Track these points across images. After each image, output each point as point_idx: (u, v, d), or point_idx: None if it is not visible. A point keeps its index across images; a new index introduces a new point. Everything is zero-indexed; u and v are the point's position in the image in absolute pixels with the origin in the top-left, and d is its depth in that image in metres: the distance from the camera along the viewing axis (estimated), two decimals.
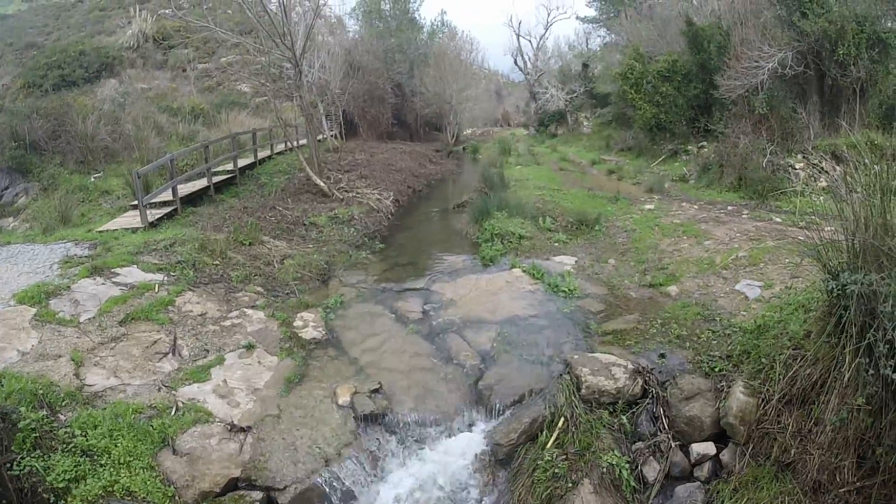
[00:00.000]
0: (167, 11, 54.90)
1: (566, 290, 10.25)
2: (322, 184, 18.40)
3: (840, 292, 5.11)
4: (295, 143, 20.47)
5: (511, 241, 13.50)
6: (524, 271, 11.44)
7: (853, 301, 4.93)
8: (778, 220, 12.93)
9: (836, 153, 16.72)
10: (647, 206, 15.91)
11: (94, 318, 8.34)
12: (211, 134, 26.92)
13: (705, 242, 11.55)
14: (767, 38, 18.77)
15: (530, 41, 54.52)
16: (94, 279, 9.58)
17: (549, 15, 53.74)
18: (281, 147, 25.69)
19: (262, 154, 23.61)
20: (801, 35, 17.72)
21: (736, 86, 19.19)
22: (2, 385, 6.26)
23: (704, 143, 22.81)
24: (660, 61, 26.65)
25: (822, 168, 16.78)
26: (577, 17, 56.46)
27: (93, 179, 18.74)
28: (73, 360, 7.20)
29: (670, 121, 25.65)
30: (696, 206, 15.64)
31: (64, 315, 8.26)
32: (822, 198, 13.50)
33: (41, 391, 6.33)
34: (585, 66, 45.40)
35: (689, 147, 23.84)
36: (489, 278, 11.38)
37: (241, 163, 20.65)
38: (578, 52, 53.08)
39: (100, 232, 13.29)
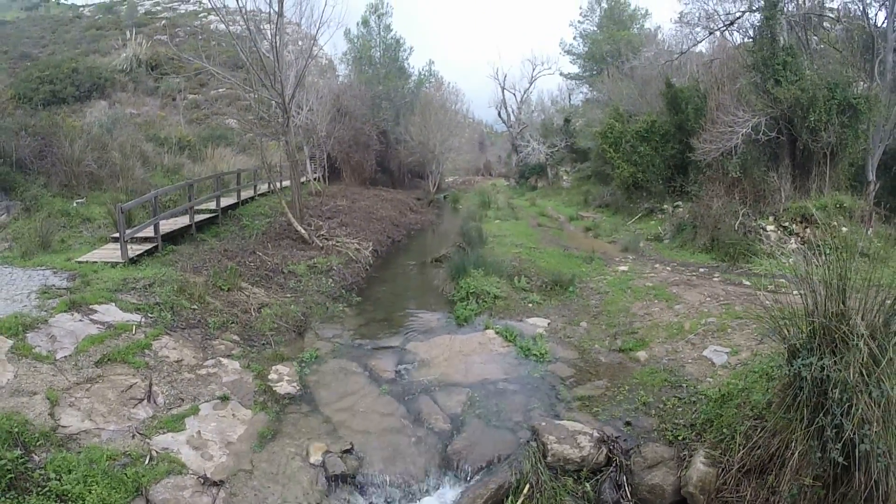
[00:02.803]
0: (164, 37, 55.56)
1: (538, 353, 10.49)
2: (303, 231, 18.57)
3: (795, 373, 5.39)
4: (279, 185, 20.63)
5: (486, 301, 13.70)
6: (497, 333, 11.65)
7: (807, 383, 5.22)
8: (748, 283, 13.30)
9: (806, 215, 17.22)
10: (622, 268, 16.29)
11: (70, 356, 8.36)
12: (196, 167, 27.03)
13: (676, 307, 11.85)
14: (742, 103, 19.41)
15: (515, 94, 56.13)
16: (72, 314, 9.60)
17: (534, 70, 55.91)
18: (264, 188, 25.70)
19: (245, 194, 23.72)
20: (775, 102, 18.32)
21: (711, 149, 19.75)
22: None
23: (680, 202, 23.30)
24: (639, 121, 27.38)
25: (791, 230, 17.30)
26: (561, 74, 59.08)
27: (75, 205, 18.68)
28: (48, 399, 7.20)
29: (647, 180, 26.23)
30: (668, 268, 16.05)
31: (40, 350, 8.27)
32: (790, 260, 13.99)
33: (16, 429, 6.34)
34: (567, 121, 46.56)
35: (665, 206, 24.36)
36: (463, 339, 11.55)
37: (225, 202, 20.68)
38: (561, 107, 54.69)
39: (79, 262, 13.25)
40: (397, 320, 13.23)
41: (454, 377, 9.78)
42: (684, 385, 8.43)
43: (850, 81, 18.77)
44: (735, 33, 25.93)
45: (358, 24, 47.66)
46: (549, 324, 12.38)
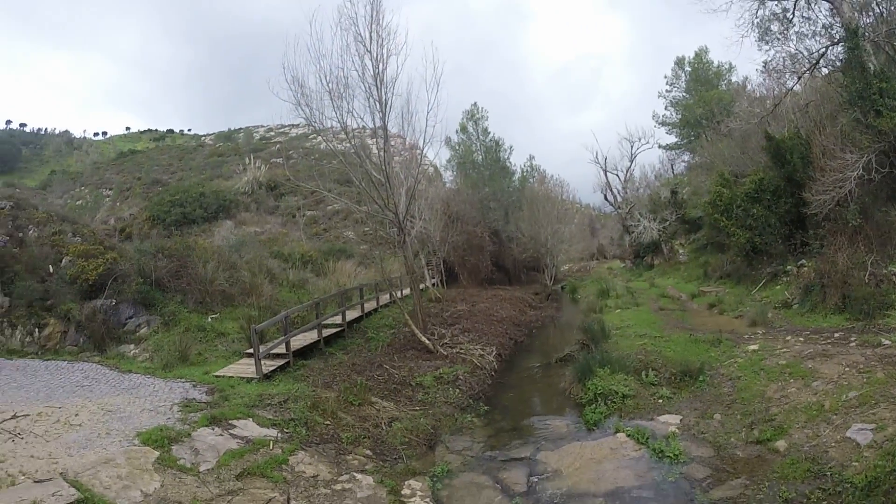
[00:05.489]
0: (279, 160, 59.31)
1: (671, 455, 9.98)
2: (427, 341, 18.74)
3: None
4: (399, 295, 21.01)
5: (615, 402, 13.19)
6: (629, 436, 11.15)
7: None
8: (887, 342, 12.30)
9: None
10: (752, 347, 15.20)
11: (212, 468, 8.63)
12: (319, 282, 28.17)
13: (813, 384, 10.98)
14: (847, 143, 18.40)
15: (617, 175, 55.45)
16: (213, 429, 10.01)
17: (632, 147, 54.86)
18: (386, 298, 26.17)
19: (368, 307, 24.26)
20: (880, 135, 17.29)
21: (825, 199, 18.72)
22: None
23: (804, 260, 21.91)
24: (746, 182, 26.26)
25: None
26: (660, 146, 58.37)
27: (210, 320, 19.79)
28: None
29: (766, 242, 24.87)
30: (801, 339, 14.89)
31: (185, 463, 8.60)
32: None
33: None
34: (674, 192, 45.75)
35: (789, 267, 22.98)
36: (593, 445, 11.14)
37: (350, 316, 21.32)
38: (665, 179, 53.95)
39: (216, 376, 14.10)
40: (526, 428, 12.94)
41: (586, 487, 9.39)
42: (828, 474, 7.76)
43: None
44: (824, 69, 24.72)
45: (457, 131, 49.00)
46: (681, 420, 11.79)
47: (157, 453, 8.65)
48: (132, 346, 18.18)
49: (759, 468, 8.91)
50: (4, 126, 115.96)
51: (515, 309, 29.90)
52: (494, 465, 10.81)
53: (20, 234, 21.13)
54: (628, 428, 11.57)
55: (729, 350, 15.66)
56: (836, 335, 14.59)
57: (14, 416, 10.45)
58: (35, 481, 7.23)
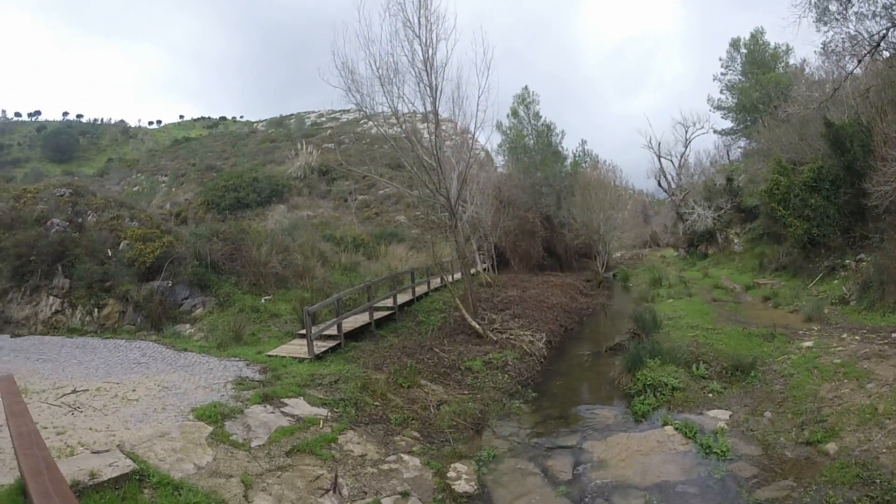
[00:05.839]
0: (330, 145, 59.93)
1: (719, 451, 9.84)
2: (477, 325, 18.78)
3: None
4: (450, 279, 21.04)
5: (664, 393, 13.04)
6: (676, 429, 11.02)
7: None
8: None
9: None
10: (806, 343, 14.72)
11: (263, 445, 8.89)
12: (371, 265, 28.41)
13: (868, 385, 10.67)
14: None
15: (671, 160, 53.58)
16: (265, 406, 10.30)
17: (686, 132, 52.21)
18: (437, 282, 26.28)
19: (419, 290, 24.37)
20: None
21: (886, 191, 18.03)
22: (181, 494, 6.80)
23: (863, 255, 21.14)
24: (804, 170, 25.33)
25: None
26: (715, 131, 55.93)
27: (263, 301, 20.18)
28: (243, 482, 7.64)
29: (824, 234, 23.91)
30: (857, 337, 14.31)
31: (237, 438, 8.89)
32: None
33: None
34: (730, 179, 44.03)
35: (847, 261, 22.12)
36: (640, 437, 11.06)
37: (401, 299, 21.45)
38: (721, 166, 52.08)
39: (269, 356, 14.46)
40: (573, 417, 12.88)
41: (632, 479, 9.34)
42: (878, 481, 7.58)
43: None
44: (885, 52, 23.21)
45: (508, 115, 48.33)
46: (730, 416, 11.58)
47: (210, 428, 8.96)
48: (188, 326, 18.70)
49: (807, 470, 8.74)
50: (62, 117, 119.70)
51: (566, 296, 29.70)
52: (540, 452, 10.80)
53: (79, 220, 22.12)
54: (676, 421, 11.45)
55: (782, 346, 15.26)
56: (894, 335, 14.04)
57: (74, 391, 10.89)
58: (93, 452, 7.50)
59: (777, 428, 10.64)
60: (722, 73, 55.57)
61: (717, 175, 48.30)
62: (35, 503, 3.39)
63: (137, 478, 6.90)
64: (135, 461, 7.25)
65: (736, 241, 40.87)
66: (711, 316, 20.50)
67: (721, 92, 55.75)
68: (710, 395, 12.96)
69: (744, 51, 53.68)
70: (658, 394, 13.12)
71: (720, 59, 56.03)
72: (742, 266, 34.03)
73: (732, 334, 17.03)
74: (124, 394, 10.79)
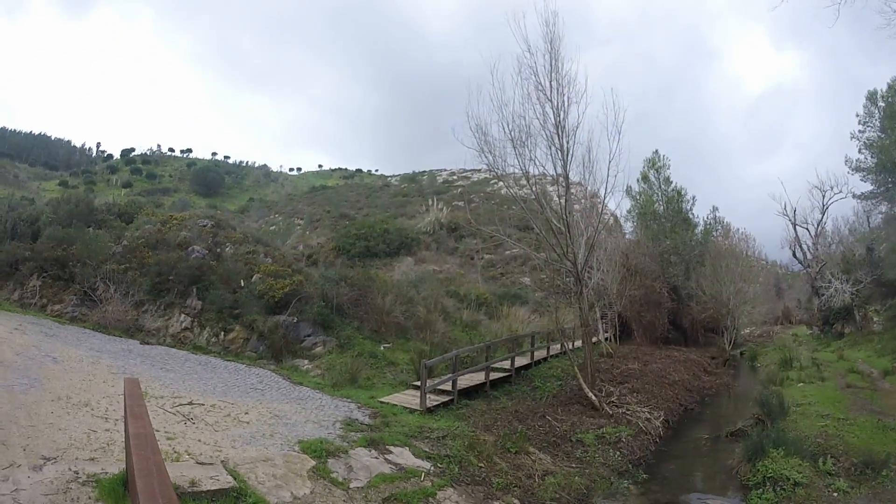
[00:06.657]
0: (460, 203, 60.80)
1: None
2: (593, 397, 18.12)
3: None
4: (570, 346, 20.56)
5: (784, 489, 11.78)
6: None
7: None
8: None
9: None
10: None
11: (362, 487, 8.79)
12: (492, 325, 28.24)
13: None
14: None
15: (807, 228, 49.57)
16: (370, 451, 10.25)
17: (823, 197, 48.08)
18: (556, 347, 25.54)
19: (538, 355, 23.95)
20: None
21: None
22: None
23: None
24: None
25: None
26: (853, 195, 50.66)
27: (382, 348, 20.49)
28: None
29: None
30: None
31: (337, 476, 8.85)
32: None
33: None
34: (870, 249, 40.60)
35: None
36: None
37: (518, 362, 21.03)
38: (860, 234, 47.22)
39: (381, 402, 14.56)
40: None
41: None
42: None
43: None
44: None
45: (638, 180, 47.14)
46: None
47: (313, 462, 9.00)
48: (306, 361, 19.23)
49: None
50: (210, 156, 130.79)
51: (689, 373, 28.26)
52: None
53: (218, 250, 23.78)
54: None
55: None
56: None
57: (190, 403, 11.33)
58: (197, 462, 7.72)
59: None
60: (860, 131, 49.37)
61: (856, 244, 44.74)
62: (140, 501, 3.43)
63: (235, 495, 7.01)
64: (235, 479, 7.39)
65: (875, 318, 37.43)
66: (844, 404, 18.78)
67: (860, 151, 49.72)
68: (835, 493, 11.65)
69: (881, 104, 48.31)
70: (778, 488, 11.95)
71: (857, 115, 50.87)
72: (881, 348, 30.85)
73: (866, 426, 15.54)
74: (237, 414, 11.11)
